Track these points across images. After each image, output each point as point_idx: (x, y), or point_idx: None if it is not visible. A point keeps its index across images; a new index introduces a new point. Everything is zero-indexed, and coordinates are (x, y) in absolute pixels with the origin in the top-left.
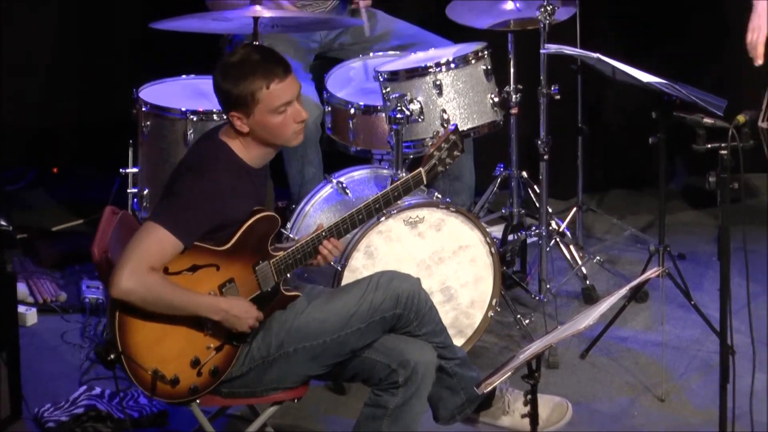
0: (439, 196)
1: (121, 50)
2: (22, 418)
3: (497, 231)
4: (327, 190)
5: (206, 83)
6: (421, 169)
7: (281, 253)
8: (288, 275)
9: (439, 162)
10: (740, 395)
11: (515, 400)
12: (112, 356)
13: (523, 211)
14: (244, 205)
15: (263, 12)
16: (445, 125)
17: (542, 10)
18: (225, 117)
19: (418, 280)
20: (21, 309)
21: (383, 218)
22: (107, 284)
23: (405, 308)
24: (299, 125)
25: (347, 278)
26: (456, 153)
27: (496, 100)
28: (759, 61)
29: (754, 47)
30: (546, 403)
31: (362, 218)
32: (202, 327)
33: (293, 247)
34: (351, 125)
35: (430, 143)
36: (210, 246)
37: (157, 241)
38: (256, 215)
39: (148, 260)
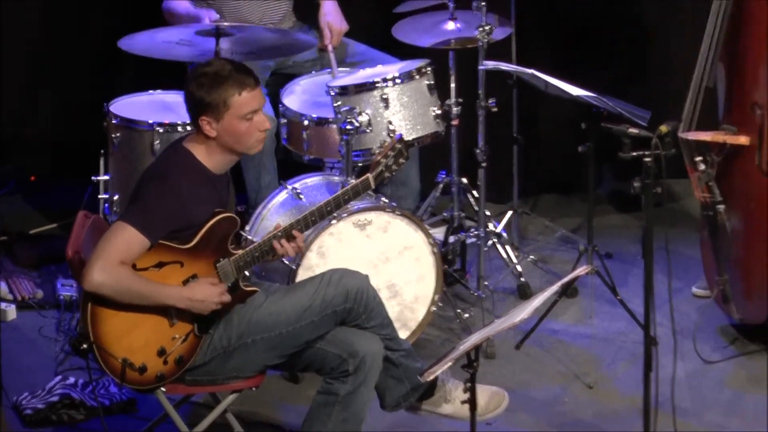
0: (386, 200)
1: (93, 66)
2: (2, 407)
3: (439, 233)
4: (282, 196)
5: (171, 97)
6: (369, 175)
7: (240, 251)
8: (247, 272)
9: (385, 169)
10: (662, 383)
11: (456, 389)
12: (85, 346)
13: (463, 215)
14: (206, 208)
15: (223, 21)
16: (392, 135)
17: (481, 29)
18: (193, 124)
19: (367, 277)
20: (2, 305)
21: (334, 221)
22: (80, 279)
23: (354, 303)
24: (262, 134)
25: (301, 276)
26: (401, 161)
27: (439, 112)
28: None
29: None
30: (484, 392)
31: (315, 220)
32: (168, 318)
33: (250, 248)
34: (305, 136)
35: (377, 152)
36: (174, 244)
37: (126, 239)
38: (217, 216)
39: (117, 255)
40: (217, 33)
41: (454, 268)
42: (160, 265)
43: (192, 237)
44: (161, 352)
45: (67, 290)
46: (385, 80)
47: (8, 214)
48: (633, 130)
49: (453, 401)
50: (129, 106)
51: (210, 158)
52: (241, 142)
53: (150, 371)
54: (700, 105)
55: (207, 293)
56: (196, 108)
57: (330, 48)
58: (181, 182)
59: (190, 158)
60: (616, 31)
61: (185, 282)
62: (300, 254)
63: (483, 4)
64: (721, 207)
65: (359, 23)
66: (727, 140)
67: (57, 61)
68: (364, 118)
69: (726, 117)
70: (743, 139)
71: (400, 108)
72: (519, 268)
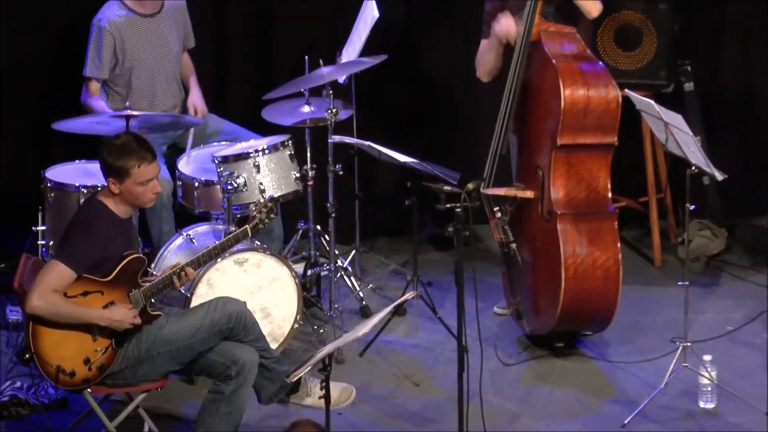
0: (259, 243)
1: (30, 139)
2: None
3: (300, 267)
4: (179, 240)
5: (92, 166)
6: (247, 226)
7: (148, 284)
8: (153, 299)
9: (259, 222)
10: (472, 380)
11: (315, 386)
12: (27, 356)
13: (317, 254)
14: (118, 245)
15: (133, 112)
16: (263, 194)
17: (329, 111)
18: (106, 181)
19: (245, 303)
20: None
21: (220, 260)
22: (23, 305)
23: (235, 323)
24: (154, 195)
25: (194, 302)
26: (272, 215)
27: (298, 175)
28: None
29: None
30: (336, 388)
31: (205, 260)
32: (91, 335)
33: (155, 280)
34: (196, 194)
35: (253, 207)
36: (96, 277)
37: (57, 272)
38: (130, 256)
39: (51, 285)
40: (127, 116)
41: (311, 294)
42: (85, 293)
43: (110, 272)
44: (86, 361)
45: (14, 314)
46: (256, 151)
47: None
48: (447, 188)
49: (313, 395)
50: (60, 172)
51: (117, 206)
52: (137, 201)
53: (78, 376)
54: (497, 167)
55: (123, 315)
56: (107, 171)
57: (194, 122)
58: (97, 226)
59: (102, 207)
60: (432, 111)
61: (105, 306)
62: (193, 285)
63: (330, 92)
64: (514, 245)
65: (235, 107)
66: (517, 194)
67: (2, 136)
68: (241, 180)
69: (517, 176)
70: (529, 194)
71: (268, 172)
72: (361, 294)
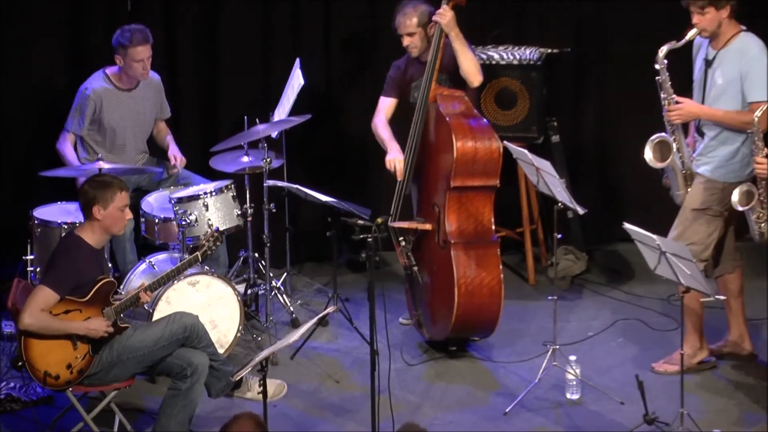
0: (208, 268)
1: (21, 184)
2: None
3: (241, 287)
4: (143, 266)
5: (71, 206)
6: (197, 253)
7: (117, 303)
8: (122, 315)
9: (208, 249)
10: (382, 378)
11: (254, 383)
12: (20, 363)
13: (256, 276)
14: (93, 271)
15: (105, 165)
16: (211, 228)
17: (264, 161)
18: (86, 216)
19: (197, 316)
20: None
21: (176, 282)
22: (16, 321)
23: (190, 332)
24: (126, 222)
25: (156, 317)
26: (218, 243)
27: (239, 212)
28: (399, 177)
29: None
30: (272, 384)
31: (164, 282)
32: (72, 345)
33: (123, 299)
34: (156, 228)
35: (203, 238)
36: (76, 298)
37: (44, 295)
38: (103, 280)
39: (39, 306)
40: (100, 167)
41: (251, 309)
42: (67, 311)
43: (87, 293)
44: (68, 366)
45: (8, 328)
46: (205, 193)
47: None
48: (360, 222)
49: (252, 390)
50: (45, 212)
51: (92, 238)
52: (115, 226)
53: (61, 378)
54: (401, 205)
55: (98, 325)
56: (93, 201)
57: (178, 168)
58: (75, 255)
59: (80, 240)
60: (347, 160)
61: (84, 321)
62: (154, 303)
63: (265, 145)
64: (416, 268)
65: (190, 158)
66: (418, 227)
67: None
68: (193, 217)
69: (418, 212)
70: (428, 226)
71: (215, 210)
72: (291, 308)
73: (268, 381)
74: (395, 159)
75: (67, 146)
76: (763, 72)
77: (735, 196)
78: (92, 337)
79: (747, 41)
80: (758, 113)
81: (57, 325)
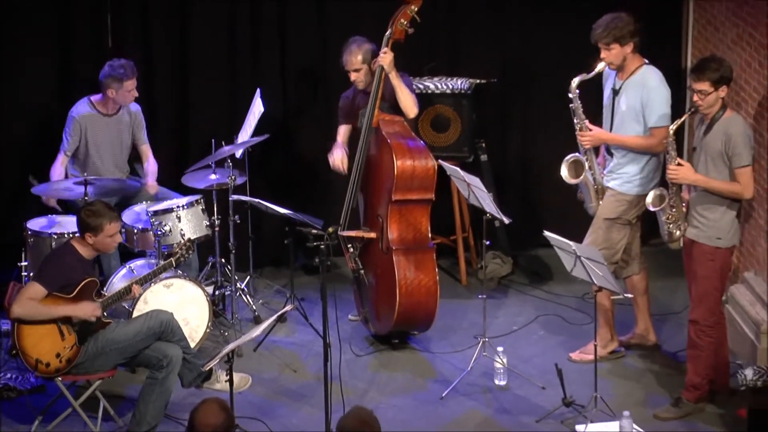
0: (181, 272)
1: (12, 200)
2: None
3: (210, 289)
4: (124, 270)
5: (61, 218)
6: (171, 259)
7: (106, 296)
8: (105, 312)
9: (181, 255)
10: (334, 368)
11: (222, 374)
12: (14, 351)
13: (223, 279)
14: (80, 274)
15: (92, 180)
16: (184, 237)
17: (230, 178)
18: (80, 235)
19: (172, 314)
20: None
21: (153, 284)
22: (8, 313)
23: (165, 328)
24: (116, 244)
25: (135, 314)
26: (190, 251)
27: (208, 223)
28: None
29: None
30: (237, 375)
31: (142, 282)
32: (61, 336)
33: (113, 293)
34: (135, 237)
35: (176, 246)
36: (63, 295)
37: (33, 288)
38: (86, 279)
39: (26, 296)
40: (85, 182)
41: (218, 308)
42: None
43: (73, 291)
44: (58, 356)
45: (5, 325)
46: (178, 207)
47: None
48: (314, 231)
49: (221, 381)
50: (37, 223)
51: (84, 251)
52: (104, 249)
53: (51, 367)
54: (350, 216)
55: (86, 307)
56: (85, 227)
57: (156, 188)
58: (65, 259)
59: (72, 248)
60: (302, 176)
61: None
62: (134, 303)
63: (230, 164)
64: (362, 271)
65: (165, 176)
66: (364, 235)
67: None
68: (167, 228)
69: (364, 222)
70: (373, 235)
71: (187, 222)
72: (254, 307)
73: (235, 373)
74: (333, 158)
75: (55, 167)
76: (662, 101)
77: (649, 197)
78: (80, 318)
79: (648, 73)
80: (673, 127)
81: (44, 310)
